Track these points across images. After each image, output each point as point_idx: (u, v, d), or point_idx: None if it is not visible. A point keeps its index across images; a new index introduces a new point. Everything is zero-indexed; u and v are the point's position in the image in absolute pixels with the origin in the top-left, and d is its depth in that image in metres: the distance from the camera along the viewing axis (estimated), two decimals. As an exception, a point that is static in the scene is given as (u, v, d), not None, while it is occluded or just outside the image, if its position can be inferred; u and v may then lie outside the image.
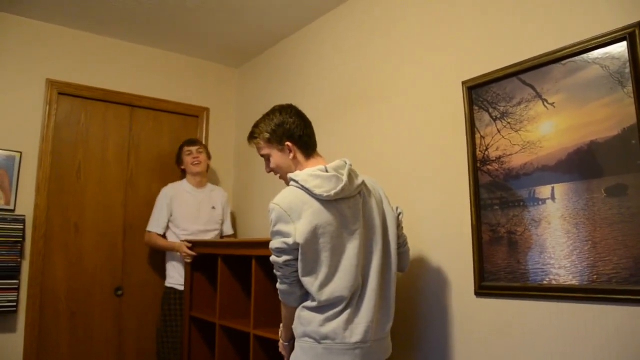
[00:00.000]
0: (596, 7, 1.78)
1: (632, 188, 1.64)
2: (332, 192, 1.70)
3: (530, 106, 1.95)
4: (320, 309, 1.72)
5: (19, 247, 2.97)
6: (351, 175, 1.78)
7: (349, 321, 1.71)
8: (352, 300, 1.73)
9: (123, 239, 3.45)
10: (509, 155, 2.01)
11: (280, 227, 1.71)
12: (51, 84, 3.25)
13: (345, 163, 1.81)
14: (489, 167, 2.08)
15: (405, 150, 2.49)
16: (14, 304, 2.93)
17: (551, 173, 1.87)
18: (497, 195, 2.05)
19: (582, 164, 1.78)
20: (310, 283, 1.71)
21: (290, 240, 1.68)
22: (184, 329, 3.04)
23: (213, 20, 3.29)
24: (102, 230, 3.38)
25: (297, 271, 1.73)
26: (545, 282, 1.84)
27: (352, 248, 1.74)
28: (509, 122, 2.02)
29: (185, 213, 3.32)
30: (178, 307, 3.19)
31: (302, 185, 1.72)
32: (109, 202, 3.44)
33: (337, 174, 1.75)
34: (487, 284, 2.03)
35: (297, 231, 1.67)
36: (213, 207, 3.46)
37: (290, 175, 1.79)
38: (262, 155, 1.94)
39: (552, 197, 1.86)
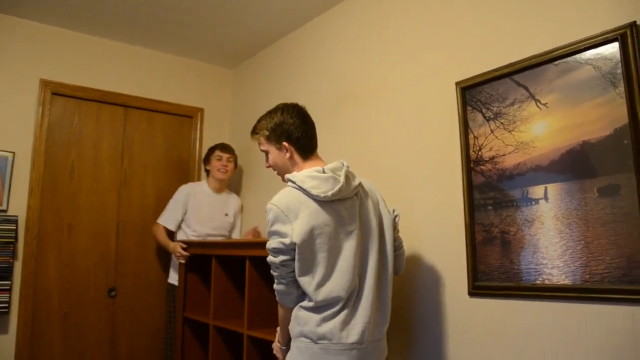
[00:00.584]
0: (589, 8, 1.79)
1: (625, 188, 1.65)
2: (330, 193, 1.71)
3: (523, 107, 1.96)
4: (317, 309, 1.72)
5: (11, 248, 2.95)
6: (348, 177, 1.80)
7: (346, 322, 1.71)
8: (349, 301, 1.73)
9: (116, 240, 3.44)
10: (503, 155, 2.02)
11: (277, 227, 1.71)
12: (45, 84, 3.24)
13: (343, 165, 1.83)
14: (482, 167, 2.09)
15: (399, 150, 2.49)
16: (6, 305, 2.91)
17: (544, 173, 1.87)
18: (490, 196, 2.05)
19: (575, 164, 1.79)
20: (307, 283, 1.71)
21: (287, 241, 1.69)
22: (177, 330, 3.03)
23: (208, 21, 3.28)
24: (95, 231, 3.37)
25: (294, 271, 1.73)
26: (538, 282, 1.85)
27: (348, 249, 1.75)
28: (502, 123, 2.03)
29: (199, 215, 3.34)
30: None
31: (299, 186, 1.73)
32: (103, 203, 3.42)
33: (334, 175, 1.76)
34: (480, 284, 2.04)
35: (295, 231, 1.68)
36: (226, 214, 3.48)
37: (288, 176, 1.80)
38: (262, 151, 1.95)
39: (545, 198, 1.86)
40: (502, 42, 2.07)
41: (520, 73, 1.97)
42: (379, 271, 1.82)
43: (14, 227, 2.97)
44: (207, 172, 3.50)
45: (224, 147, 3.49)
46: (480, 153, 2.10)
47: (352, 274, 1.73)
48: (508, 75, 2.01)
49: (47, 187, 3.21)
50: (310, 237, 1.69)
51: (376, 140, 2.64)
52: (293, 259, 1.71)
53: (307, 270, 1.71)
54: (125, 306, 3.41)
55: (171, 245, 3.14)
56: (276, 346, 1.95)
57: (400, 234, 2.03)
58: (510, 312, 1.93)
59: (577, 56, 1.80)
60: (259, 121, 1.96)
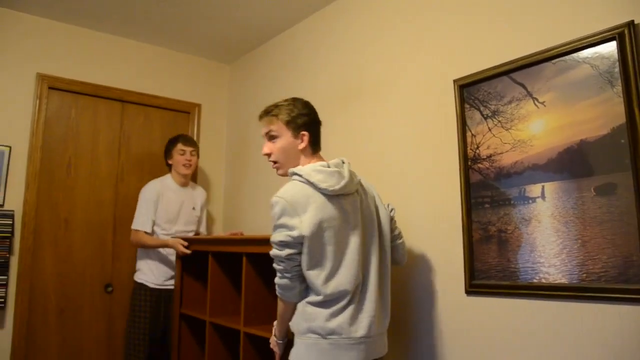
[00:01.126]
0: (586, 7, 1.79)
1: (621, 187, 1.65)
2: (337, 187, 1.73)
3: (521, 105, 1.96)
4: (325, 303, 1.72)
5: (7, 243, 2.95)
6: (351, 173, 1.83)
7: (354, 316, 1.73)
8: (355, 295, 1.75)
9: (113, 235, 3.43)
10: (500, 154, 2.02)
11: (284, 220, 1.71)
12: (42, 78, 3.22)
13: (343, 162, 1.86)
14: (480, 165, 2.09)
15: (396, 148, 2.49)
16: (3, 300, 2.91)
17: (541, 172, 1.87)
18: (487, 194, 2.05)
19: (572, 163, 1.79)
20: (316, 276, 1.71)
21: (295, 233, 1.68)
22: (174, 327, 3.03)
23: (205, 16, 3.27)
24: (92, 226, 3.36)
25: (299, 265, 1.73)
26: (535, 280, 1.85)
27: (353, 243, 1.77)
28: (500, 121, 2.03)
29: (168, 213, 3.22)
30: (147, 305, 3.11)
31: (306, 180, 1.74)
32: (99, 198, 3.41)
33: (339, 170, 1.79)
34: (477, 283, 2.04)
35: (304, 224, 1.68)
36: (193, 208, 3.37)
37: (293, 169, 1.81)
38: (267, 133, 1.91)
39: (543, 196, 1.86)
40: (501, 40, 2.07)
41: (518, 71, 1.97)
42: (379, 265, 1.85)
43: (10, 222, 2.96)
44: (169, 166, 3.34)
45: (187, 140, 3.33)
46: (477, 151, 2.10)
47: (357, 267, 1.75)
48: (506, 73, 2.01)
49: (43, 182, 3.20)
50: (319, 230, 1.70)
51: (373, 138, 2.64)
52: (299, 253, 1.71)
53: (317, 263, 1.72)
54: (122, 302, 3.39)
55: (170, 242, 3.02)
56: (273, 340, 1.95)
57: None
58: (507, 310, 1.94)
59: (575, 55, 1.79)
60: (276, 106, 1.92)
